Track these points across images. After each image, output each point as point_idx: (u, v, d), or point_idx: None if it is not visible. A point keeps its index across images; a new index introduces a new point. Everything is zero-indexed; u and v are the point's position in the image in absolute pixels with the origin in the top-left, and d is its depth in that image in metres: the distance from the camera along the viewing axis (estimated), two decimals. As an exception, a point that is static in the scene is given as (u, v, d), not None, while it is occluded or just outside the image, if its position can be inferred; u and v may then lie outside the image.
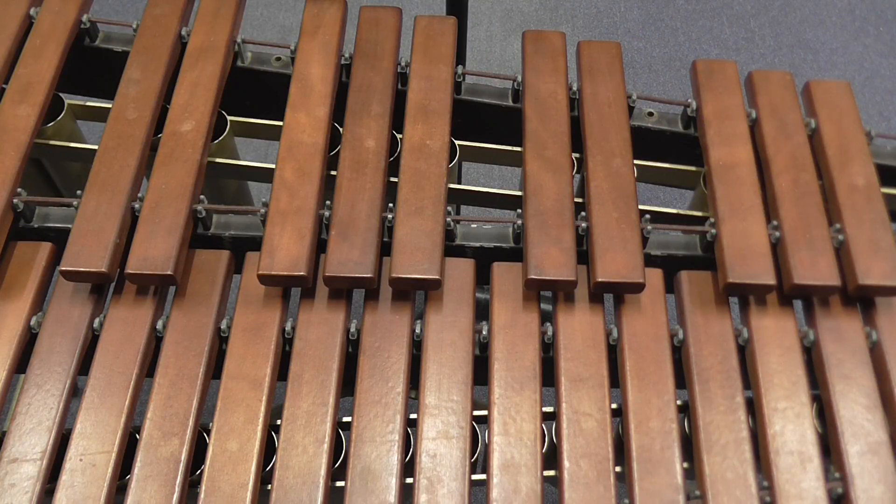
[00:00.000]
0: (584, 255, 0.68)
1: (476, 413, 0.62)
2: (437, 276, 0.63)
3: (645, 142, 0.79)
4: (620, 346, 0.64)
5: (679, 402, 0.63)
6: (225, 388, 0.61)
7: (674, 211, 0.78)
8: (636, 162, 0.74)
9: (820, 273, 0.66)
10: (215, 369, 0.63)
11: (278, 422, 0.60)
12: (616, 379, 0.64)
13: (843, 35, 1.90)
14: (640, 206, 0.70)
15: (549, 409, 0.63)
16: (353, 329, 0.64)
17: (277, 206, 0.66)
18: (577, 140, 0.75)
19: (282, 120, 0.72)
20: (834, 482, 0.60)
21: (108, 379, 0.61)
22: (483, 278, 0.68)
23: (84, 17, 0.80)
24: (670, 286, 0.69)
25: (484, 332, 0.64)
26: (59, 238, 0.67)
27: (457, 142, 0.79)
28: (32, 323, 0.63)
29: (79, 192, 0.67)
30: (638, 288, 0.65)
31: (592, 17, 1.91)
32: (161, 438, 0.58)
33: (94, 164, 0.68)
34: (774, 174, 0.72)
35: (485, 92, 0.82)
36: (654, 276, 0.68)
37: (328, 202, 0.68)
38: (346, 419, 0.63)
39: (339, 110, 0.74)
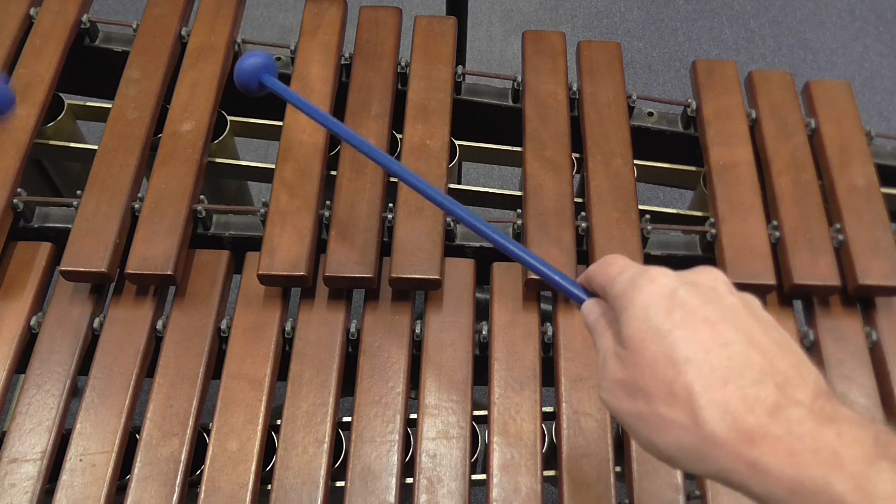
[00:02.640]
0: (584, 255, 0.68)
1: (476, 413, 0.62)
2: (437, 276, 0.63)
3: (645, 142, 0.79)
4: (620, 346, 0.64)
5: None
6: (225, 388, 0.61)
7: (674, 211, 0.78)
8: (636, 162, 0.74)
9: (820, 273, 0.66)
10: (215, 369, 0.63)
11: (278, 422, 0.60)
12: (616, 379, 0.64)
13: (843, 35, 1.90)
14: (640, 206, 0.70)
15: (549, 409, 0.63)
16: (353, 329, 0.64)
17: (277, 206, 0.66)
18: (577, 140, 0.75)
19: (282, 120, 0.72)
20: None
21: (108, 379, 0.61)
22: (483, 278, 0.68)
23: (84, 17, 0.80)
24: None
25: (484, 332, 0.64)
26: (59, 238, 0.67)
27: (457, 142, 0.79)
28: (32, 323, 0.63)
29: (79, 192, 0.67)
30: (638, 288, 0.65)
31: (592, 17, 1.91)
32: (161, 438, 0.58)
33: (94, 164, 0.68)
34: (774, 174, 0.72)
35: (485, 92, 0.82)
36: (654, 276, 0.68)
37: (328, 202, 0.68)
38: (346, 419, 0.63)
39: (339, 110, 0.74)
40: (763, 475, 0.32)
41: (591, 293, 0.43)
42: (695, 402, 0.33)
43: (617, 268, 0.40)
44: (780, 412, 0.32)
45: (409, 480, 0.59)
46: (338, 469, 0.63)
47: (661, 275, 0.38)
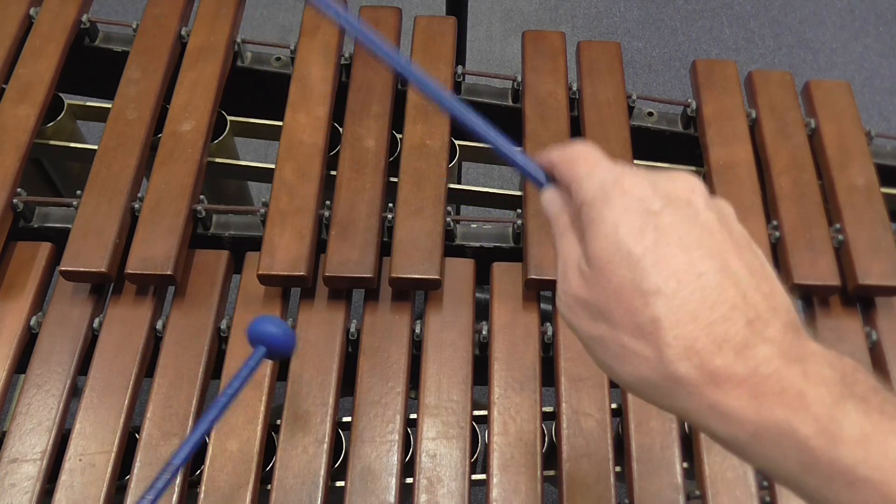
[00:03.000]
0: (584, 255, 0.68)
1: (476, 413, 0.62)
2: (437, 276, 0.63)
3: (645, 142, 0.79)
4: (620, 346, 0.64)
5: (679, 402, 0.62)
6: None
7: (674, 211, 0.78)
8: (636, 162, 0.74)
9: (820, 273, 0.66)
10: (215, 369, 0.63)
11: (278, 422, 0.60)
12: (616, 379, 0.64)
13: (843, 35, 1.90)
14: (640, 206, 0.70)
15: (549, 409, 0.63)
16: (353, 329, 0.64)
17: (277, 206, 0.66)
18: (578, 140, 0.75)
19: (282, 120, 0.72)
20: (834, 482, 0.59)
21: (107, 379, 0.61)
22: (483, 278, 0.68)
23: (84, 17, 0.79)
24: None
25: (484, 332, 0.64)
26: (59, 238, 0.67)
27: (457, 142, 0.79)
28: (32, 323, 0.63)
29: (79, 192, 0.66)
30: (638, 288, 0.65)
31: (592, 17, 1.91)
32: (161, 438, 0.58)
33: (94, 164, 0.68)
34: (774, 174, 0.72)
35: (485, 92, 0.82)
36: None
37: (328, 202, 0.68)
38: (346, 419, 0.63)
39: (339, 110, 0.74)
40: (726, 418, 0.31)
41: (551, 178, 0.40)
42: (661, 337, 0.31)
43: (585, 164, 0.37)
44: (747, 351, 0.31)
45: (409, 480, 0.59)
46: (338, 469, 0.63)
47: (635, 184, 0.34)
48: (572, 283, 0.35)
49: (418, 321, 0.65)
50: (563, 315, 0.36)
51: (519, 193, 0.74)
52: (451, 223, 0.68)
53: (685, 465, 0.59)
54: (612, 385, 0.63)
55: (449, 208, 0.68)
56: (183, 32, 0.79)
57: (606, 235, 0.33)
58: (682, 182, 0.35)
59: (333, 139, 0.73)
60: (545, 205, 0.40)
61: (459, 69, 0.79)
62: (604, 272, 0.33)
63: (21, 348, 0.62)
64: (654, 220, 0.33)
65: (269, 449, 0.59)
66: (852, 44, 1.88)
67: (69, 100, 0.80)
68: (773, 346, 0.31)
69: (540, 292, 0.66)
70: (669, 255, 0.32)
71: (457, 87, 0.79)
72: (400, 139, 0.72)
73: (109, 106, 0.72)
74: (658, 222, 0.33)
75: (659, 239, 0.33)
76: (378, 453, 0.58)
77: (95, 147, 0.70)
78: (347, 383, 0.62)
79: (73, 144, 0.78)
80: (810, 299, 0.68)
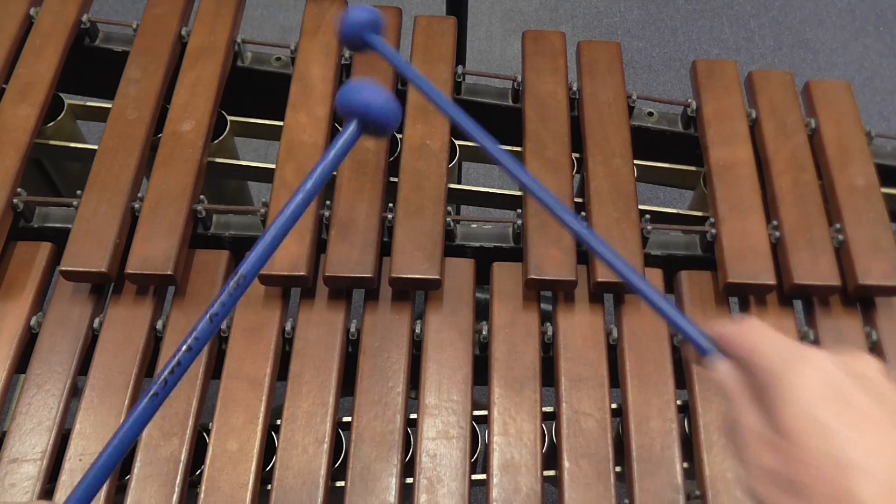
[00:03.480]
0: (584, 255, 0.68)
1: (476, 413, 0.62)
2: (437, 276, 0.63)
3: (645, 142, 0.79)
4: (620, 346, 0.64)
5: (679, 402, 0.63)
6: (225, 388, 0.61)
7: (674, 211, 0.78)
8: (636, 162, 0.74)
9: (820, 273, 0.66)
10: (215, 369, 0.63)
11: (278, 422, 0.60)
12: (616, 379, 0.64)
13: (843, 35, 1.90)
14: (640, 206, 0.70)
15: (549, 409, 0.63)
16: (353, 329, 0.64)
17: (278, 206, 0.66)
18: (577, 140, 0.75)
19: (282, 120, 0.72)
20: (834, 482, 0.59)
21: (107, 379, 0.61)
22: (483, 278, 0.68)
23: (84, 17, 0.79)
24: (670, 286, 0.69)
25: (484, 332, 0.64)
26: (59, 238, 0.67)
27: (457, 142, 0.79)
28: (32, 323, 0.63)
29: (79, 192, 0.66)
30: (638, 288, 0.65)
31: (592, 17, 1.91)
32: (161, 438, 0.58)
33: (94, 164, 0.68)
34: (774, 174, 0.72)
35: (485, 92, 0.82)
36: (654, 276, 0.68)
37: (328, 202, 0.68)
38: (346, 419, 0.63)
39: (339, 110, 0.74)
40: None
41: (717, 348, 0.40)
42: None
43: (763, 336, 0.38)
44: None
45: (409, 480, 0.59)
46: (338, 469, 0.63)
47: (822, 360, 0.36)
48: (761, 454, 0.35)
49: (418, 321, 0.65)
50: (750, 487, 0.36)
51: (519, 193, 0.74)
52: (451, 223, 0.68)
53: (685, 465, 0.59)
54: (613, 385, 0.63)
55: (449, 208, 0.68)
56: (183, 32, 0.79)
57: (798, 404, 0.34)
58: (861, 360, 0.37)
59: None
60: (720, 375, 0.40)
61: (459, 69, 0.79)
62: (798, 443, 0.34)
63: (21, 348, 0.62)
64: (845, 395, 0.34)
65: (269, 449, 0.59)
66: (852, 44, 1.88)
67: (69, 100, 0.80)
68: None
69: (540, 292, 0.66)
70: (864, 430, 0.33)
71: (457, 87, 0.79)
72: (400, 139, 0.72)
73: (109, 106, 0.73)
74: (850, 398, 0.34)
75: (853, 414, 0.34)
76: (378, 453, 0.58)
77: (95, 147, 0.70)
78: (347, 383, 0.62)
79: (73, 144, 0.78)
80: (810, 299, 0.68)
